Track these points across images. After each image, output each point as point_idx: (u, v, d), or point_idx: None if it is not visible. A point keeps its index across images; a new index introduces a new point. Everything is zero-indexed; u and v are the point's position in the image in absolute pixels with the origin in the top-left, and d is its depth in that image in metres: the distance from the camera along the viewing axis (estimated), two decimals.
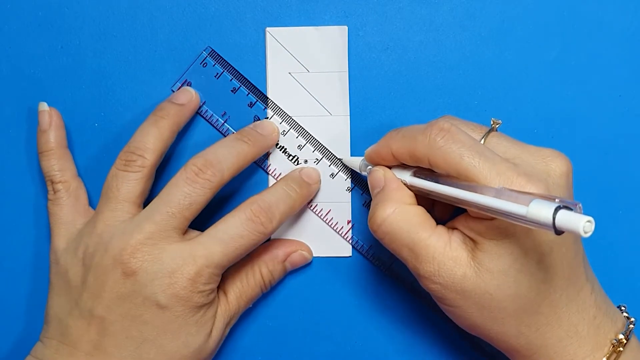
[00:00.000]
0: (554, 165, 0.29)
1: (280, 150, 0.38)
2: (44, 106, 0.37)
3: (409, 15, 0.38)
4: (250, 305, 0.37)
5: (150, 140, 0.35)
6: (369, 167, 0.34)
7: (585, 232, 0.23)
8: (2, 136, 0.39)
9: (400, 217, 0.31)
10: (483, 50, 0.37)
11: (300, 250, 0.38)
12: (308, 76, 0.38)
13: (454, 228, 0.31)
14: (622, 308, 0.33)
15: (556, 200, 0.24)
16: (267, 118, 0.38)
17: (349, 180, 0.38)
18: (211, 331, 0.34)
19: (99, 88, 0.38)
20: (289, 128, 0.38)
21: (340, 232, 0.38)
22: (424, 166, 0.31)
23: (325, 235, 0.38)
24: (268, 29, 0.38)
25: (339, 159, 0.38)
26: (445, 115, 0.32)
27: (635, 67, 0.37)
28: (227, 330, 0.36)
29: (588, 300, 0.30)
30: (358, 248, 0.38)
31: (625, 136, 0.38)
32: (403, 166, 0.33)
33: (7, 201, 0.39)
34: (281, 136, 0.38)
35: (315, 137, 0.38)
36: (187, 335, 0.33)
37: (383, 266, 0.38)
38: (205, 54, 0.38)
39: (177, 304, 0.32)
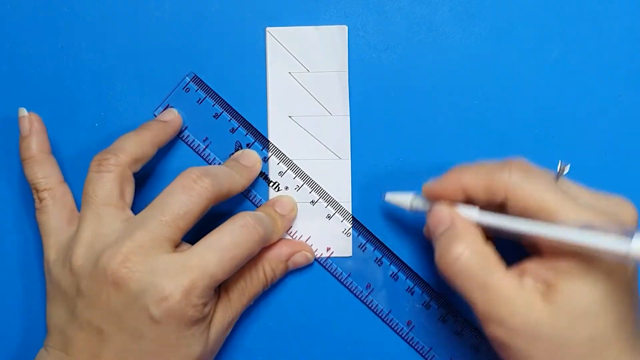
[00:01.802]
0: (623, 211, 0.30)
1: (262, 177, 0.38)
2: (23, 112, 0.36)
3: (409, 15, 0.38)
4: (252, 303, 0.37)
5: (128, 144, 0.34)
6: (428, 204, 0.33)
7: None
8: (2, 136, 0.39)
9: (473, 256, 0.30)
10: (483, 50, 0.37)
11: (303, 251, 0.38)
12: (308, 76, 0.38)
13: (521, 271, 0.30)
14: None
15: None
16: (249, 145, 0.38)
17: (329, 207, 0.38)
18: (209, 336, 0.33)
19: (99, 88, 0.38)
20: (270, 154, 0.38)
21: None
22: (497, 201, 0.30)
23: (326, 235, 0.38)
24: (268, 29, 0.38)
25: (383, 197, 0.35)
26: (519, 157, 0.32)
27: (635, 67, 0.37)
28: (230, 328, 0.36)
29: None
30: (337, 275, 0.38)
31: (625, 136, 0.38)
32: (465, 204, 0.32)
33: (7, 201, 0.39)
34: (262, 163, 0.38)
35: (314, 137, 0.38)
36: (186, 347, 0.32)
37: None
38: (188, 79, 0.38)
39: (170, 318, 0.31)
